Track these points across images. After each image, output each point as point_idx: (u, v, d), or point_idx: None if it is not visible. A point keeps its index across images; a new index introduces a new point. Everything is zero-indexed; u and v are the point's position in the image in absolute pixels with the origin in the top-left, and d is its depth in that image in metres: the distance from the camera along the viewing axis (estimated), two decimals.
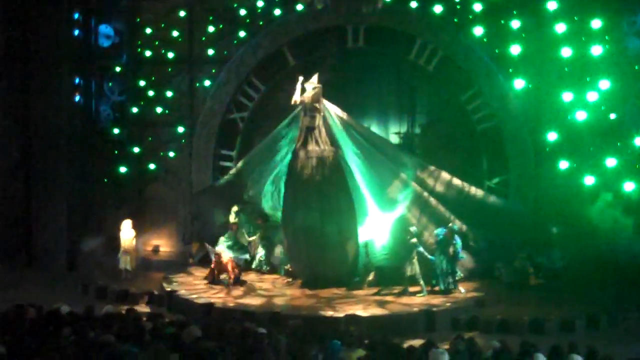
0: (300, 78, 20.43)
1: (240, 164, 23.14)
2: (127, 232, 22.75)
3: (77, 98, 25.49)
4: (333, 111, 20.74)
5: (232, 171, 23.42)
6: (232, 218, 22.35)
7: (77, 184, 24.83)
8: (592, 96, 21.45)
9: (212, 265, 21.00)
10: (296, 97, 20.36)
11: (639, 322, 17.82)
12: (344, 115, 20.91)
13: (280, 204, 21.44)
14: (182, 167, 25.77)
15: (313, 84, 20.42)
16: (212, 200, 23.78)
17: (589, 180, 21.37)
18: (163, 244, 25.84)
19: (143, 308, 18.43)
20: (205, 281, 20.91)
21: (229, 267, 20.66)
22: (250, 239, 22.31)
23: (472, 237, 21.07)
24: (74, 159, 24.62)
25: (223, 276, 20.83)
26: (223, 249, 21.00)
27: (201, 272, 22.09)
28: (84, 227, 24.53)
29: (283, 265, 21.91)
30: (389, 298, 19.17)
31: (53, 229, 23.82)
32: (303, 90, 20.34)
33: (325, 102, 20.63)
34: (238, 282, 20.64)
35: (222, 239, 21.39)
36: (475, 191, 21.95)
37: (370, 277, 20.25)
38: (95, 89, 26.16)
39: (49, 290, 20.37)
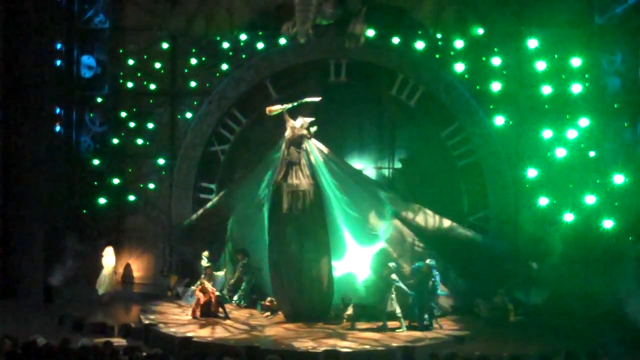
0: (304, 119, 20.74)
1: (220, 197, 23.18)
2: (109, 259, 23.41)
3: (58, 128, 25.38)
4: (315, 145, 20.79)
5: (211, 203, 23.45)
6: (205, 262, 22.29)
7: (55, 214, 24.66)
8: (571, 134, 21.60)
9: (202, 300, 20.74)
10: (276, 107, 20.60)
11: (618, 358, 17.79)
12: (325, 149, 20.96)
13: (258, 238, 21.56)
14: (162, 199, 25.70)
15: (306, 123, 20.56)
16: (191, 232, 23.80)
17: (569, 217, 21.45)
18: (142, 276, 25.66)
19: (120, 341, 18.21)
20: (191, 317, 20.62)
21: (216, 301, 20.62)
22: (219, 273, 22.25)
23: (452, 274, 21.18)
24: (53, 190, 24.47)
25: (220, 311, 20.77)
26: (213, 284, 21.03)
27: (179, 305, 22.00)
28: (62, 259, 24.35)
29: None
30: (367, 333, 19.08)
31: (30, 260, 23.62)
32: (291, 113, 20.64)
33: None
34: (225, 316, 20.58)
35: (198, 282, 21.56)
36: (455, 227, 21.98)
37: (349, 311, 20.17)
38: (76, 119, 26.10)
39: (25, 322, 20.15)
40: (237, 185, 23.17)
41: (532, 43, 22.12)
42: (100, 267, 23.75)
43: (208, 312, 20.55)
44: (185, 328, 19.28)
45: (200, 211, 23.84)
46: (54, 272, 23.77)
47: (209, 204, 23.69)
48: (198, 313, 20.50)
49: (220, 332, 19.03)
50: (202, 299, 20.62)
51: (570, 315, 20.54)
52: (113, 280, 23.73)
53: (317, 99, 20.92)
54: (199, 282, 21.58)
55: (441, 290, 19.96)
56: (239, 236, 22.78)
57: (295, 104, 20.82)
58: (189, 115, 25.37)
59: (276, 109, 20.88)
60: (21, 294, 23.32)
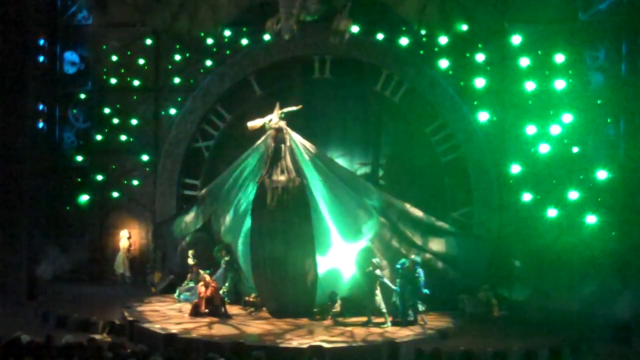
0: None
1: (203, 191, 23.14)
2: (125, 241, 24.92)
3: (41, 125, 25.29)
4: (299, 141, 20.76)
5: (198, 203, 23.45)
6: (191, 260, 22.31)
7: (39, 211, 24.54)
8: (555, 129, 21.72)
9: (205, 294, 20.55)
10: (256, 123, 20.50)
11: (602, 352, 17.89)
12: (309, 145, 20.93)
13: (241, 234, 21.53)
14: (146, 195, 25.70)
15: (278, 113, 20.52)
16: (175, 229, 23.78)
17: (552, 212, 21.55)
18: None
19: (104, 338, 18.15)
20: (189, 315, 20.42)
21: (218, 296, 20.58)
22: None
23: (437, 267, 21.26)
24: (36, 186, 24.33)
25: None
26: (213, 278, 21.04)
27: (163, 302, 21.99)
28: (45, 255, 24.26)
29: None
30: (352, 329, 19.07)
31: (13, 256, 23.46)
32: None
33: (292, 132, 20.65)
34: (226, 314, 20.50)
35: (186, 281, 22.03)
36: (439, 223, 22.00)
37: (336, 307, 20.18)
38: (59, 115, 26.09)
39: (9, 319, 20.02)
40: (215, 183, 22.99)
41: (516, 39, 22.27)
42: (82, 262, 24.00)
43: (212, 309, 20.36)
44: (169, 324, 19.21)
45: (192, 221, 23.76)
46: (41, 268, 23.72)
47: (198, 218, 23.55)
48: (203, 308, 20.36)
49: (205, 329, 18.96)
50: (205, 293, 20.45)
51: (553, 311, 20.63)
52: (127, 262, 25.18)
53: (297, 107, 20.80)
54: (188, 281, 21.67)
55: (424, 289, 19.97)
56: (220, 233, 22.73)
57: (275, 115, 20.61)
58: (173, 111, 25.38)
59: (257, 124, 20.70)
60: (4, 291, 23.16)
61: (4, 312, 20.97)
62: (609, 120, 22.11)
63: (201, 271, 21.86)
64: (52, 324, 20.07)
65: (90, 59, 25.99)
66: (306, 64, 24.44)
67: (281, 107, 20.62)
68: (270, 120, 20.51)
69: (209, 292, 20.38)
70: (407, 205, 21.69)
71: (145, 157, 25.61)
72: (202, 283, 20.61)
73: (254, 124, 20.74)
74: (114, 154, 25.97)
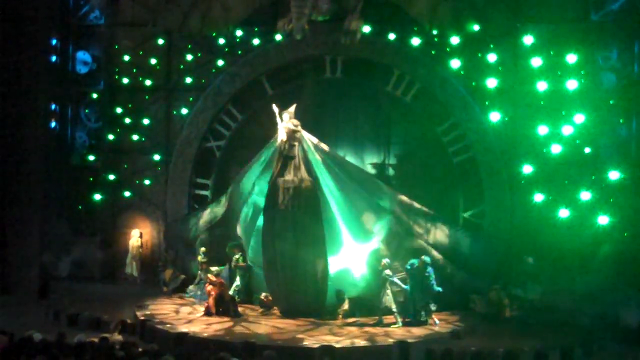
0: (276, 110, 20.51)
1: (222, 199, 23.16)
2: (135, 240, 24.80)
3: (53, 124, 25.42)
4: (310, 141, 20.77)
5: (212, 207, 23.47)
6: (201, 258, 22.36)
7: (51, 210, 24.64)
8: (567, 130, 21.65)
9: (215, 292, 20.63)
10: (282, 137, 20.40)
11: (613, 353, 17.84)
12: (321, 145, 20.93)
13: (252, 233, 21.61)
14: (157, 194, 25.73)
15: (290, 113, 20.48)
16: (186, 228, 23.86)
17: (564, 213, 21.47)
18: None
19: (115, 337, 18.17)
20: (203, 314, 20.44)
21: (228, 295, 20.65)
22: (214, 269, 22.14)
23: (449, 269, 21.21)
24: (48, 186, 24.44)
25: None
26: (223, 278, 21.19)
27: (174, 301, 22.03)
28: (57, 254, 24.40)
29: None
30: (363, 329, 19.09)
31: (25, 255, 23.58)
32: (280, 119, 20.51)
33: (304, 132, 20.66)
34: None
35: (197, 280, 22.33)
36: (450, 223, 21.98)
37: (345, 307, 20.17)
38: (71, 115, 26.17)
39: (21, 317, 20.11)
40: (232, 188, 23.02)
41: (528, 39, 22.19)
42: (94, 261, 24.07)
43: (223, 307, 20.41)
44: (180, 324, 19.26)
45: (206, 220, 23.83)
46: (53, 267, 23.85)
47: (214, 215, 23.57)
48: (213, 309, 20.39)
49: (216, 328, 19.00)
50: (214, 291, 20.48)
51: (564, 311, 20.57)
52: (138, 262, 25.11)
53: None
54: (198, 280, 21.75)
55: (436, 286, 19.93)
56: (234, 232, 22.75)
57: (287, 115, 20.54)
58: (184, 111, 25.40)
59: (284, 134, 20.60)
60: (16, 290, 23.28)
61: (16, 310, 21.06)
62: (621, 121, 22.04)
63: (211, 268, 21.90)
64: (63, 323, 20.12)
65: (102, 58, 26.06)
66: (318, 64, 24.41)
67: (288, 108, 20.62)
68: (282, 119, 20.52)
69: (218, 291, 20.41)
70: (419, 205, 21.68)
71: (156, 157, 25.65)
72: (208, 283, 20.65)
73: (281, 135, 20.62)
74: (125, 153, 26.03)
